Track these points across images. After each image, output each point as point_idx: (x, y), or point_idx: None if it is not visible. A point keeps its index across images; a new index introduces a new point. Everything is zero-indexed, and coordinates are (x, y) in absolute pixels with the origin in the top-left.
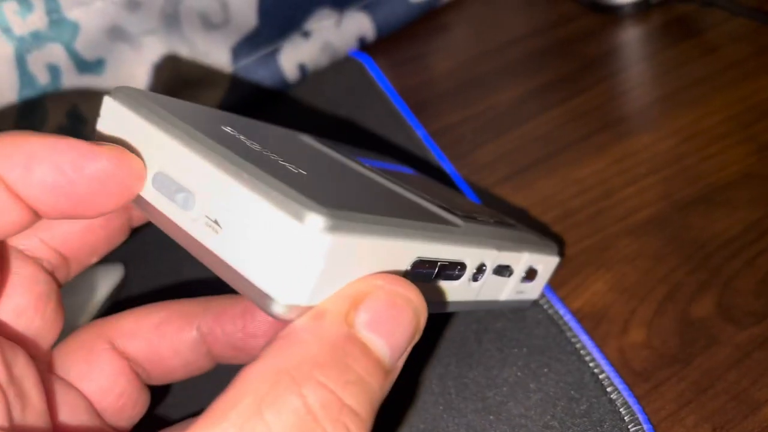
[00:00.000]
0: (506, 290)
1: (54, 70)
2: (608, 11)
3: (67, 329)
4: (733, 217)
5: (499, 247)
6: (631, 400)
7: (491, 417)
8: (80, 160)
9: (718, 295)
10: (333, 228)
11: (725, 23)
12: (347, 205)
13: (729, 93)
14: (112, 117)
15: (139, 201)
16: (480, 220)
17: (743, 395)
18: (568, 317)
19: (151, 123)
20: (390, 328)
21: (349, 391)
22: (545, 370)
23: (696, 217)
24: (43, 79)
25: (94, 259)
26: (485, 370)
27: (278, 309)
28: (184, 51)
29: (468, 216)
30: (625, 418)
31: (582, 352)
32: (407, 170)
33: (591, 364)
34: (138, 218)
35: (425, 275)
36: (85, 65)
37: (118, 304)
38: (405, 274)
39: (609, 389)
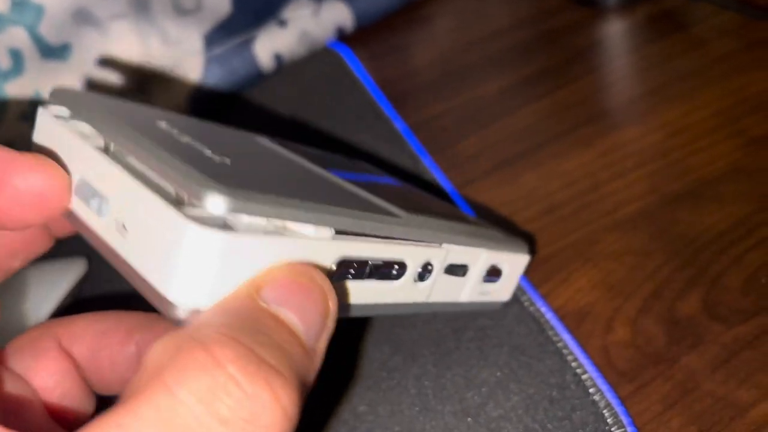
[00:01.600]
0: (466, 291)
1: (16, 56)
2: (594, 4)
3: (29, 324)
4: (721, 213)
5: (449, 243)
6: (614, 402)
7: (469, 419)
8: (2, 174)
9: (705, 292)
10: (228, 205)
11: (713, 17)
12: (253, 186)
13: (717, 87)
14: (44, 127)
15: (67, 213)
16: (430, 213)
17: (730, 396)
18: (549, 315)
19: (72, 131)
20: (299, 303)
21: (267, 350)
22: (526, 370)
23: (684, 212)
24: (4, 64)
25: (17, 264)
26: (464, 370)
27: (180, 314)
28: (154, 37)
29: (416, 209)
30: (609, 420)
31: (564, 351)
32: (392, 181)
33: (573, 364)
34: (62, 229)
35: (356, 274)
36: (49, 50)
37: (84, 300)
38: (330, 274)
39: (592, 390)
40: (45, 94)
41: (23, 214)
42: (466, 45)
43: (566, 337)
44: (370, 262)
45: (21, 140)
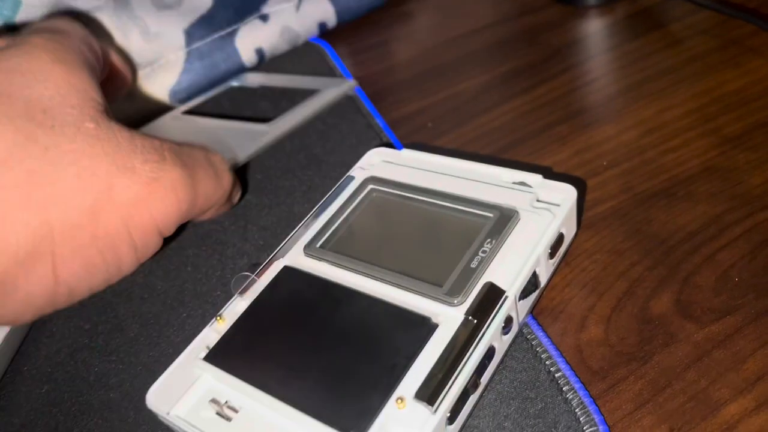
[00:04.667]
0: None
1: None
2: (573, 2)
3: None
4: (694, 212)
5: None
6: (587, 401)
7: None
8: None
9: (677, 291)
10: None
11: (690, 16)
12: None
13: (692, 86)
14: None
15: None
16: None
17: (702, 395)
18: None
19: None
20: None
21: None
22: (499, 367)
23: (657, 211)
24: None
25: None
26: None
27: None
28: (134, 31)
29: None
30: (581, 419)
31: (538, 349)
32: None
33: (547, 362)
34: None
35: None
36: None
37: None
38: None
39: (565, 389)
40: None
41: None
42: (446, 42)
43: (540, 335)
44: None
45: None
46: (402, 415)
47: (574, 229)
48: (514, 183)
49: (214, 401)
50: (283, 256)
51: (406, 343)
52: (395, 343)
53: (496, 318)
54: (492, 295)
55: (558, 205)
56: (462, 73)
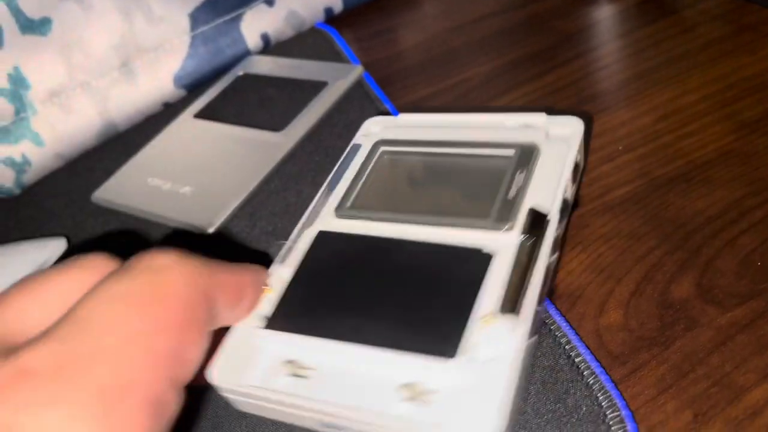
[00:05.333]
0: None
1: None
2: None
3: None
4: (712, 196)
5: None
6: (608, 385)
7: None
8: None
9: (698, 276)
10: None
11: (703, 1)
12: None
13: (707, 71)
14: None
15: None
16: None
17: (726, 380)
18: None
19: None
20: None
21: None
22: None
23: (675, 196)
24: None
25: None
26: None
27: None
28: (138, 14)
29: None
30: (603, 403)
31: (557, 334)
32: None
33: (567, 347)
34: None
35: None
36: (29, 24)
37: None
38: None
39: (586, 373)
40: (24, 69)
41: None
42: (455, 28)
43: (559, 320)
44: None
45: None
46: (487, 333)
47: (583, 158)
48: (519, 126)
49: (287, 363)
50: (310, 225)
51: (468, 273)
52: (457, 276)
53: (546, 238)
54: (537, 218)
55: (569, 137)
56: (470, 59)
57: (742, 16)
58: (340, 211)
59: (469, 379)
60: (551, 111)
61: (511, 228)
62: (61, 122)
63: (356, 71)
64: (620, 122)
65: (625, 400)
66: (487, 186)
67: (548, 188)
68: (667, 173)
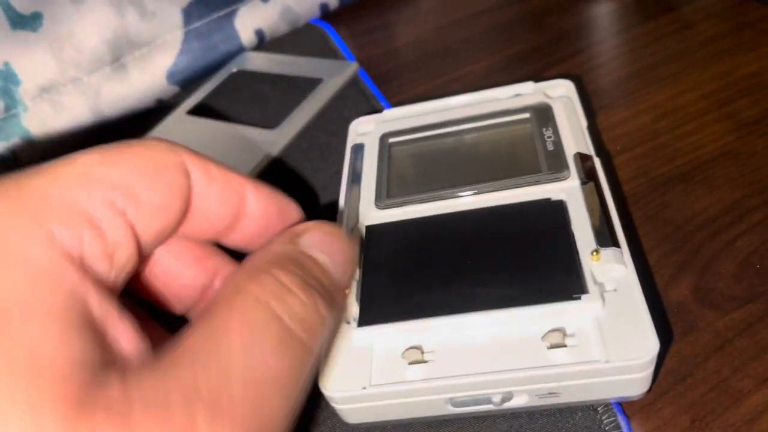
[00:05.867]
0: None
1: None
2: None
3: None
4: (711, 197)
5: None
6: None
7: None
8: None
9: (696, 278)
10: None
11: None
12: None
13: (706, 70)
14: None
15: None
16: None
17: (724, 385)
18: None
19: None
20: (329, 248)
21: (308, 275)
22: None
23: (673, 196)
24: None
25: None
26: None
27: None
28: (131, 9)
29: None
30: (599, 408)
31: None
32: None
33: None
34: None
35: None
36: (19, 20)
37: None
38: None
39: None
40: (14, 65)
41: None
42: (451, 24)
43: None
44: None
45: None
46: (600, 267)
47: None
48: (512, 95)
49: (407, 352)
50: (353, 226)
51: (551, 221)
52: (543, 226)
53: (600, 176)
54: (587, 160)
55: (567, 94)
56: (467, 56)
57: (741, 13)
58: (381, 202)
59: (608, 309)
60: (537, 79)
61: (569, 174)
62: (52, 118)
63: (351, 68)
64: (618, 120)
65: (621, 405)
66: (520, 147)
67: (575, 137)
68: (666, 173)
